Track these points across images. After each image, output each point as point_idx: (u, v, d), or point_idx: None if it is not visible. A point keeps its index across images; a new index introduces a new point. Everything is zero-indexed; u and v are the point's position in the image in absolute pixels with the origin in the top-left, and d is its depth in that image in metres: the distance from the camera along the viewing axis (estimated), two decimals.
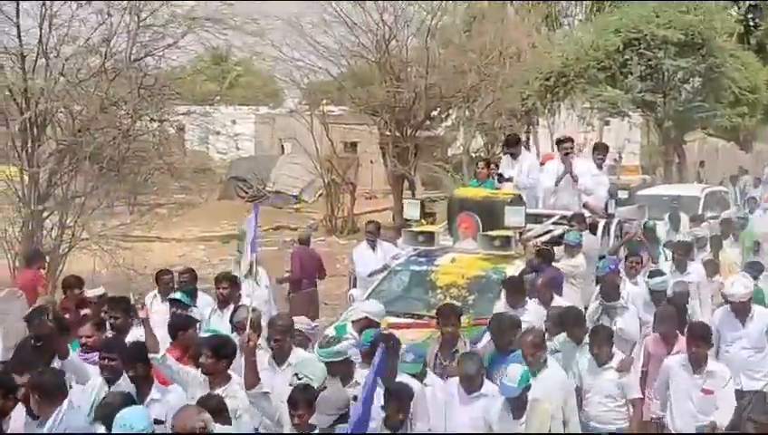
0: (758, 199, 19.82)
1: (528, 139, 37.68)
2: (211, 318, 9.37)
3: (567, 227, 11.06)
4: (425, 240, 10.54)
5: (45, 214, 13.59)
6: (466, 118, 25.85)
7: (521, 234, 10.38)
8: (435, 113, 25.53)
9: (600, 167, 12.56)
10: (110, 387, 6.88)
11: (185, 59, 16.76)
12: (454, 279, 9.82)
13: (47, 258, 12.09)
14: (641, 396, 7.69)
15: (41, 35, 13.05)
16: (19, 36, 13.07)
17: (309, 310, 11.81)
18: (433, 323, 8.57)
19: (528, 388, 6.64)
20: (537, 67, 25.79)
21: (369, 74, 23.86)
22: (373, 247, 12.05)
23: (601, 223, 11.67)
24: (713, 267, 11.85)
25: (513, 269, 9.86)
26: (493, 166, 12.91)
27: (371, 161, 28.85)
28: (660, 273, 9.75)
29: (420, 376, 7.06)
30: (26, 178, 13.27)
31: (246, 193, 30.36)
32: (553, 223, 11.45)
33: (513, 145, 12.70)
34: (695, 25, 24.41)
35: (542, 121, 35.44)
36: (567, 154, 12.04)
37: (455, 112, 26.80)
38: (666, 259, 12.11)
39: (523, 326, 7.88)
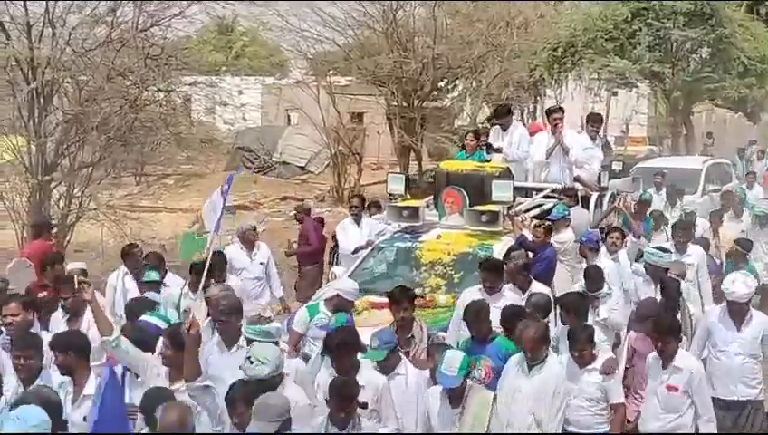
0: (757, 174, 19.15)
1: (535, 109, 37.68)
2: (181, 301, 8.75)
3: (557, 201, 10.74)
4: (409, 215, 10.12)
5: (53, 184, 13.61)
6: (473, 88, 25.79)
7: (509, 208, 9.96)
8: (442, 84, 25.45)
9: (593, 139, 12.11)
10: (25, 389, 6.04)
11: (191, 29, 16.79)
12: (439, 256, 9.47)
13: (54, 229, 12.12)
14: (623, 402, 7.03)
15: (47, 5, 13.00)
16: (25, 6, 13.03)
17: (317, 284, 11.58)
18: (420, 302, 8.35)
19: (468, 375, 6.30)
20: (545, 38, 25.69)
21: (377, 45, 23.75)
22: (357, 222, 11.62)
23: (594, 196, 11.40)
24: (705, 245, 11.29)
25: (501, 246, 9.49)
26: (483, 138, 12.33)
27: (378, 132, 28.77)
28: (664, 249, 9.16)
29: (391, 364, 6.64)
30: (33, 148, 13.29)
31: (253, 163, 30.35)
32: (543, 197, 11.12)
33: (502, 116, 12.23)
34: None
35: (550, 92, 35.33)
36: (557, 125, 11.60)
37: (462, 83, 26.72)
38: (666, 238, 11.63)
39: (495, 313, 7.48)
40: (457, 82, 26.56)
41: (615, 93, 35.96)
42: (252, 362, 5.83)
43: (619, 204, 11.50)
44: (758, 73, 25.83)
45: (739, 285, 7.55)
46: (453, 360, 6.23)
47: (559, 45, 25.86)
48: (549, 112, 12.13)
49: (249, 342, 6.52)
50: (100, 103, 13.29)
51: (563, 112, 11.95)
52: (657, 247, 9.14)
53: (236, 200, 24.65)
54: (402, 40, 22.69)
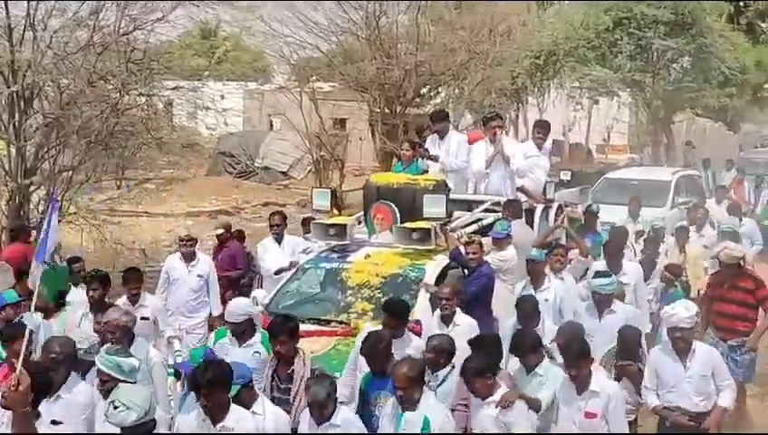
0: (727, 187, 18.61)
1: (517, 117, 37.82)
2: (82, 322, 8.10)
3: (498, 215, 10.09)
4: (336, 233, 9.33)
5: (32, 188, 13.52)
6: (456, 96, 25.82)
7: (443, 225, 9.18)
8: (424, 91, 25.46)
9: (539, 146, 11.36)
10: None
11: (174, 33, 16.66)
12: (366, 278, 8.72)
13: (33, 233, 12.02)
14: None
15: (28, 7, 12.92)
16: (6, 9, 12.94)
17: None
18: (341, 331, 7.96)
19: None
20: (527, 45, 25.81)
21: (359, 51, 23.75)
22: (279, 241, 10.66)
23: (539, 208, 10.77)
24: (651, 267, 10.61)
25: (435, 266, 8.85)
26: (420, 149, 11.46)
27: (360, 138, 28.81)
28: (606, 273, 8.33)
29: (243, 401, 5.93)
30: (13, 151, 13.19)
31: (234, 169, 30.31)
32: (484, 210, 10.40)
33: (439, 121, 11.39)
34: (685, 5, 24.45)
35: (532, 100, 35.54)
36: (495, 133, 10.90)
37: (444, 90, 26.74)
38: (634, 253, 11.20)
39: (410, 352, 6.78)
40: (440, 88, 26.58)
41: (596, 102, 36.23)
42: (116, 408, 5.00)
43: (563, 220, 10.66)
44: (738, 83, 26.11)
45: (679, 308, 6.95)
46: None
47: (541, 53, 26.02)
48: (487, 120, 11.25)
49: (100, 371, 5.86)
50: (81, 107, 13.20)
51: (502, 120, 11.35)
52: (600, 273, 8.37)
53: (218, 205, 24.62)
54: (385, 46, 22.70)
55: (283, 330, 6.76)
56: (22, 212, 13.18)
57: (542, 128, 11.66)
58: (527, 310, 7.76)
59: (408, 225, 9.00)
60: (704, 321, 8.64)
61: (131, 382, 5.68)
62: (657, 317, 9.32)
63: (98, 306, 7.91)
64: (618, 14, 24.97)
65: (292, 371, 6.71)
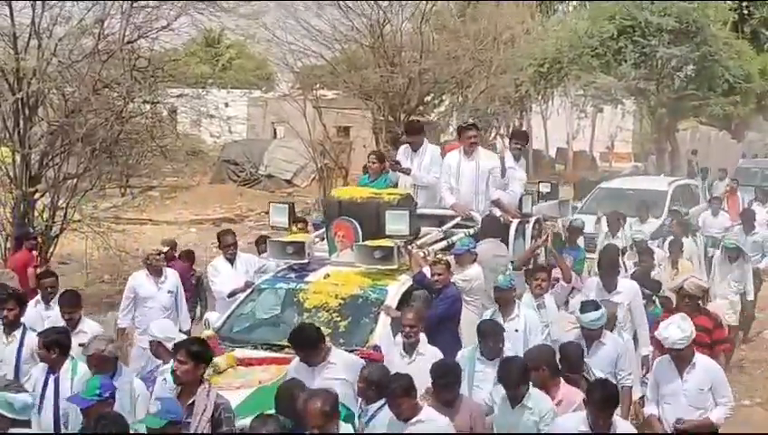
0: (721, 198, 17.88)
1: (521, 124, 37.84)
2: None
3: (471, 231, 9.36)
4: (294, 252, 8.69)
5: (37, 195, 13.55)
6: (460, 103, 25.85)
7: (407, 242, 8.57)
8: (428, 98, 25.49)
9: (516, 157, 10.60)
10: None
11: (178, 41, 16.72)
12: (324, 300, 8.14)
13: (36, 240, 12.04)
14: None
15: (33, 15, 12.97)
16: (11, 16, 12.99)
17: None
18: (292, 358, 7.15)
19: None
20: (531, 53, 25.79)
21: (363, 59, 23.78)
22: (231, 261, 9.84)
23: (514, 224, 9.92)
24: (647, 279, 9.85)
25: (398, 286, 8.24)
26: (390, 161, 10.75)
27: (364, 146, 28.74)
28: (595, 305, 7.54)
29: None
30: (18, 159, 13.22)
31: (238, 176, 30.33)
32: (454, 226, 9.63)
33: (413, 133, 10.55)
34: (689, 13, 24.44)
35: (536, 108, 35.57)
36: (472, 144, 9.96)
37: (448, 98, 26.79)
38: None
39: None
40: (444, 96, 26.62)
41: (600, 110, 36.25)
42: None
43: (547, 238, 9.69)
44: (742, 91, 26.04)
45: (673, 329, 6.79)
46: None
47: (545, 61, 25.98)
48: (462, 130, 10.31)
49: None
50: (85, 115, 13.24)
51: (478, 129, 10.55)
52: (588, 306, 7.53)
53: (222, 213, 24.65)
54: (389, 54, 22.72)
55: (183, 350, 6.03)
56: (26, 219, 13.20)
57: (520, 138, 11.13)
58: (489, 341, 7.09)
59: (369, 243, 8.40)
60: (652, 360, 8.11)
61: (24, 420, 5.31)
62: None
63: (11, 326, 7.47)
64: (622, 22, 24.92)
65: (193, 402, 5.92)
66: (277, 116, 31.33)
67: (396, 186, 10.07)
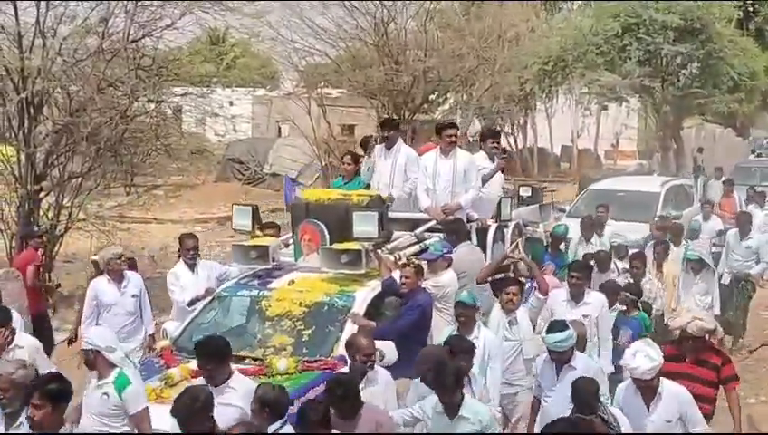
0: (712, 201, 16.79)
1: (526, 122, 37.85)
2: None
3: (444, 236, 8.91)
4: (258, 256, 8.27)
5: (42, 194, 13.57)
6: (464, 102, 25.84)
7: (377, 246, 8.12)
8: (433, 97, 25.48)
9: (491, 158, 10.09)
10: None
11: (182, 40, 16.72)
12: (288, 308, 7.68)
13: (42, 239, 12.06)
14: None
15: (38, 15, 12.98)
16: (16, 15, 13.00)
17: None
18: (253, 369, 6.94)
19: None
20: (535, 51, 25.80)
21: (368, 57, 23.76)
22: (192, 268, 9.24)
23: (492, 228, 9.45)
24: (614, 292, 9.21)
25: (366, 293, 7.80)
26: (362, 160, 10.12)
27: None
28: (563, 325, 6.94)
29: None
30: (23, 157, 13.24)
31: (243, 175, 30.35)
32: (428, 230, 9.16)
33: (389, 128, 9.93)
34: (694, 11, 24.43)
35: (540, 106, 35.57)
36: (451, 143, 9.52)
37: (452, 96, 26.79)
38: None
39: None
40: (448, 95, 26.62)
41: (605, 107, 36.23)
42: None
43: (515, 248, 8.91)
44: (747, 89, 26.03)
45: (640, 359, 6.25)
46: None
47: (549, 59, 25.98)
48: (440, 128, 9.86)
49: None
50: (90, 114, 13.24)
51: (457, 129, 10.02)
52: (556, 326, 6.98)
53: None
54: (393, 53, 22.70)
55: (38, 392, 5.37)
56: (31, 218, 13.21)
57: (495, 137, 10.46)
58: (460, 350, 6.62)
59: (335, 246, 7.99)
60: None
61: None
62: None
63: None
64: (626, 20, 24.92)
65: None
66: (282, 114, 31.32)
67: (368, 187, 9.59)
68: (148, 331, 9.15)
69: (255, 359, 7.22)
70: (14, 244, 13.17)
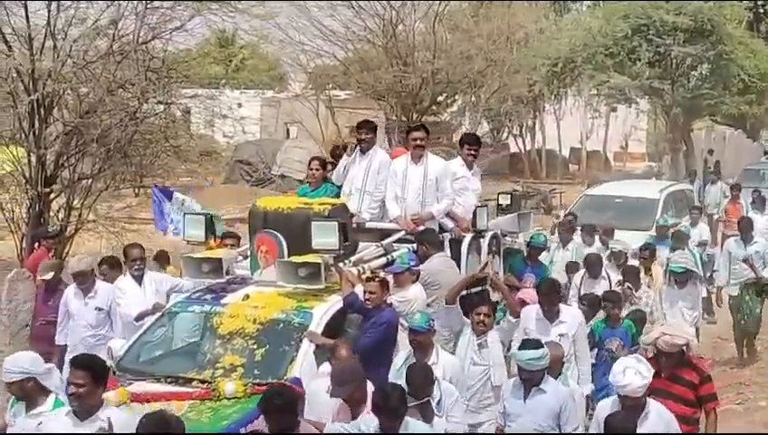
0: (710, 203, 16.67)
1: (534, 124, 37.79)
2: None
3: (413, 247, 8.40)
4: (211, 270, 7.71)
5: (52, 196, 13.60)
6: (472, 103, 25.88)
7: (338, 258, 7.60)
8: (441, 98, 25.53)
9: (468, 165, 9.45)
10: None
11: (192, 42, 16.75)
12: (241, 325, 7.12)
13: (53, 239, 12.08)
14: None
15: (48, 17, 13.01)
16: (27, 18, 13.03)
17: None
18: (198, 393, 6.48)
19: None
20: (544, 53, 25.77)
21: (376, 59, 23.82)
22: (139, 280, 8.61)
23: (467, 239, 8.86)
24: (593, 305, 8.89)
25: (325, 309, 7.27)
26: (330, 167, 9.60)
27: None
28: (536, 344, 6.51)
29: None
30: (33, 159, 13.27)
31: (251, 177, 30.38)
32: (398, 240, 8.59)
33: (367, 130, 9.25)
34: (704, 12, 24.34)
35: (549, 107, 35.50)
36: (417, 147, 8.95)
37: (461, 98, 26.84)
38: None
39: None
40: (457, 96, 26.67)
41: (614, 109, 36.14)
42: None
43: (484, 267, 8.36)
44: (758, 90, 25.91)
45: (631, 375, 5.90)
46: None
47: (559, 61, 25.92)
48: (408, 131, 9.46)
49: None
50: (100, 115, 13.27)
51: (427, 132, 9.32)
52: (528, 343, 6.55)
53: (236, 213, 24.67)
54: (402, 54, 22.74)
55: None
56: (42, 220, 13.24)
57: (473, 143, 9.66)
58: (417, 381, 6.06)
59: (293, 259, 7.41)
60: None
61: None
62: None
63: None
64: (636, 21, 24.84)
65: None
66: (290, 116, 31.39)
67: (338, 196, 9.01)
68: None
69: (203, 381, 6.71)
70: (24, 244, 13.20)
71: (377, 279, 7.25)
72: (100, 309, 8.58)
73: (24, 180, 13.48)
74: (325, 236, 7.45)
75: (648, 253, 11.04)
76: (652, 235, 13.21)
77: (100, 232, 14.31)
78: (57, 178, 13.61)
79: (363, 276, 7.50)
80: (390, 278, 7.65)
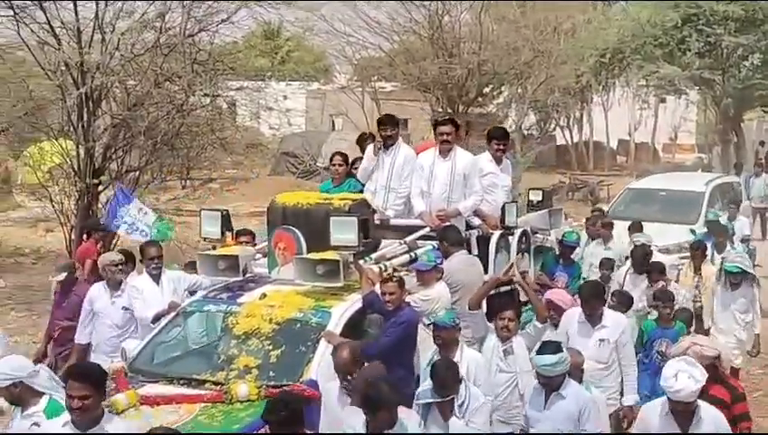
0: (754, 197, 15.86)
1: (582, 116, 37.40)
2: None
3: (437, 244, 8.08)
4: (228, 267, 7.50)
5: (101, 187, 13.76)
6: (519, 95, 25.62)
7: (358, 255, 7.29)
8: (487, 90, 25.30)
9: (497, 161, 9.10)
10: None
11: (238, 34, 16.80)
12: (257, 324, 6.89)
13: (103, 231, 12.23)
14: None
15: (97, 10, 13.15)
16: (75, 11, 13.19)
17: None
18: (210, 395, 6.29)
19: None
20: (592, 43, 25.46)
21: (422, 50, 23.68)
22: (156, 279, 8.36)
23: (495, 236, 8.51)
24: (624, 303, 8.50)
25: (344, 308, 7.01)
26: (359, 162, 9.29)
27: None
28: (555, 347, 6.20)
29: None
30: (82, 151, 13.43)
31: (297, 169, 30.50)
32: (421, 238, 8.30)
33: (390, 125, 8.94)
34: (756, 1, 23.84)
35: (597, 99, 35.10)
36: (444, 142, 8.63)
37: (507, 89, 26.58)
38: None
39: None
40: (503, 88, 26.42)
41: (663, 100, 35.65)
42: None
43: (508, 270, 7.89)
44: None
45: (684, 380, 5.55)
46: None
47: (606, 51, 25.62)
48: (435, 125, 9.06)
49: None
50: (147, 108, 13.40)
51: (455, 126, 8.80)
52: (547, 347, 6.25)
53: None
54: (447, 45, 22.58)
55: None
56: (90, 211, 13.41)
57: (501, 138, 9.24)
58: (441, 375, 5.91)
59: (311, 256, 7.15)
60: None
61: None
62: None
63: None
64: (686, 11, 24.45)
65: None
66: (335, 108, 31.45)
67: (362, 192, 8.73)
68: None
69: (217, 383, 6.50)
70: (73, 236, 13.37)
71: (394, 279, 6.92)
72: (126, 308, 8.34)
73: (72, 173, 13.66)
74: (344, 233, 7.18)
75: (698, 251, 10.40)
76: (701, 230, 12.73)
77: None
78: (105, 170, 13.77)
79: (385, 274, 7.14)
80: (413, 276, 7.45)
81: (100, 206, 13.80)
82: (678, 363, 5.73)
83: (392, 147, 8.80)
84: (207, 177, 23.29)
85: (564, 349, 6.23)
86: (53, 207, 14.03)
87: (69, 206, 13.82)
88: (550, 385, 6.17)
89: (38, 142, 15.47)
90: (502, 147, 9.19)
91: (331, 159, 9.50)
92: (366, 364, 6.09)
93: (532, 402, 6.35)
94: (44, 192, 14.45)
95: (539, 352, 6.20)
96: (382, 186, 8.77)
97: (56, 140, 14.04)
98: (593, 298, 7.48)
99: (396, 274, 7.06)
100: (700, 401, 5.70)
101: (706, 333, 9.35)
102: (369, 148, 9.03)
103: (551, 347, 6.19)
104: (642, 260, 9.80)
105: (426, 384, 6.02)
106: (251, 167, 24.04)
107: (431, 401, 5.82)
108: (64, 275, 8.90)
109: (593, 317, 7.39)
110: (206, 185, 23.50)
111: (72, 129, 13.45)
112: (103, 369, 5.42)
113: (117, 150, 13.89)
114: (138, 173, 14.24)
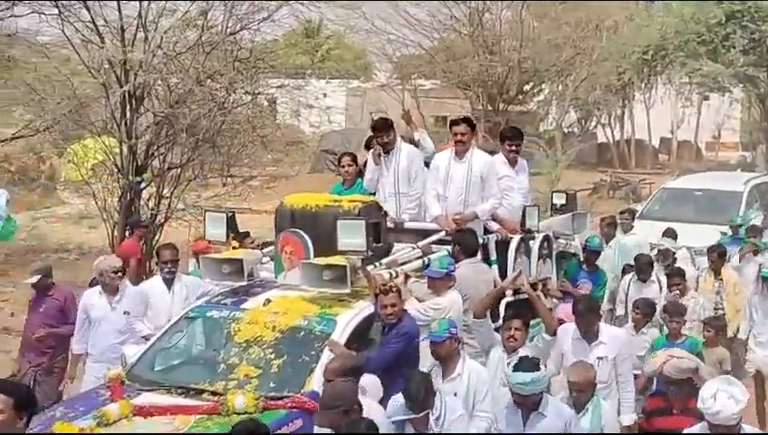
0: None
1: (623, 113, 37.04)
2: None
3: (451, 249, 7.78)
4: (232, 272, 7.24)
5: (143, 185, 13.90)
6: (560, 92, 25.49)
7: (366, 260, 6.99)
8: (527, 87, 25.19)
9: (512, 163, 8.80)
10: None
11: (279, 32, 16.89)
12: (259, 332, 6.62)
13: (146, 228, 12.36)
14: None
15: (140, 9, 13.28)
16: (119, 9, 13.32)
17: None
18: (206, 407, 6.01)
19: None
20: (634, 40, 25.22)
21: (462, 47, 23.64)
22: (169, 284, 8.25)
23: (515, 240, 8.25)
24: (648, 312, 8.14)
25: (351, 317, 6.70)
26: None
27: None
28: (533, 365, 5.75)
29: None
30: (125, 149, 13.57)
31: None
32: (436, 242, 7.99)
33: (383, 130, 8.57)
34: None
35: (639, 96, 34.76)
36: (458, 142, 8.31)
37: (548, 87, 26.46)
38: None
39: None
40: (543, 85, 26.29)
41: (707, 98, 35.18)
42: None
43: (516, 277, 7.20)
44: None
45: (723, 400, 4.89)
46: None
47: (649, 48, 25.37)
48: (450, 124, 8.63)
49: None
50: (189, 106, 13.50)
51: (470, 126, 8.44)
52: (522, 364, 5.74)
53: None
54: (488, 43, 22.53)
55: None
56: (132, 208, 13.55)
57: (514, 138, 8.91)
58: (411, 392, 5.58)
59: (317, 261, 6.84)
60: None
61: None
62: None
63: None
64: (730, 7, 24.13)
65: None
66: (375, 106, 31.37)
67: (374, 194, 8.44)
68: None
69: (215, 393, 6.23)
70: (116, 233, 13.52)
71: (393, 289, 6.50)
72: (128, 313, 8.10)
73: (115, 170, 13.80)
74: (352, 237, 6.89)
75: (716, 254, 9.96)
76: (725, 233, 12.21)
77: (189, 221, 14.56)
78: (147, 167, 13.90)
79: (396, 280, 6.87)
80: (423, 283, 7.17)
81: (141, 203, 13.95)
82: (716, 382, 5.12)
83: (392, 151, 8.55)
84: (248, 174, 23.45)
85: (543, 367, 5.79)
86: (96, 203, 14.18)
87: (112, 203, 13.96)
88: (525, 404, 5.75)
89: (82, 140, 15.65)
90: (515, 147, 8.88)
91: (339, 160, 9.23)
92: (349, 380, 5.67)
93: (509, 420, 5.88)
94: (88, 189, 14.61)
95: (514, 369, 5.71)
96: (391, 193, 8.51)
97: (99, 137, 14.19)
98: (589, 313, 6.92)
99: (394, 284, 6.70)
100: (746, 426, 5.14)
101: (730, 342, 9.06)
102: (370, 157, 8.77)
103: (527, 364, 5.71)
104: (646, 268, 9.50)
105: (398, 399, 5.70)
106: (291, 164, 24.11)
107: (404, 418, 5.57)
108: (38, 277, 8.54)
109: (589, 334, 6.88)
110: (246, 182, 23.64)
111: (114, 126, 13.58)
112: (32, 393, 4.78)
113: (159, 148, 14.01)
114: (179, 170, 14.35)
